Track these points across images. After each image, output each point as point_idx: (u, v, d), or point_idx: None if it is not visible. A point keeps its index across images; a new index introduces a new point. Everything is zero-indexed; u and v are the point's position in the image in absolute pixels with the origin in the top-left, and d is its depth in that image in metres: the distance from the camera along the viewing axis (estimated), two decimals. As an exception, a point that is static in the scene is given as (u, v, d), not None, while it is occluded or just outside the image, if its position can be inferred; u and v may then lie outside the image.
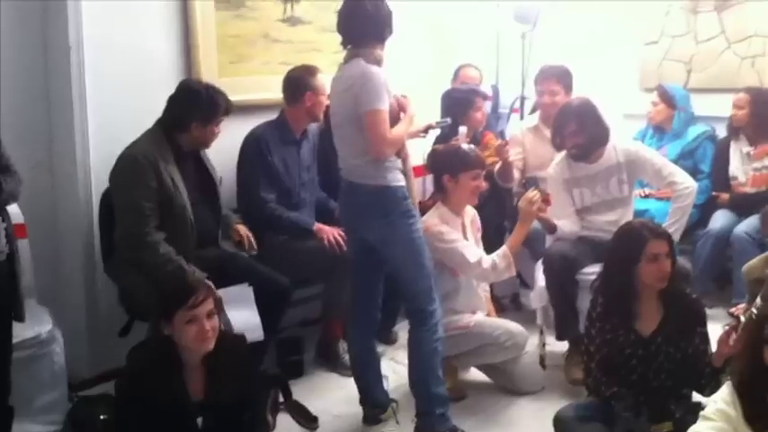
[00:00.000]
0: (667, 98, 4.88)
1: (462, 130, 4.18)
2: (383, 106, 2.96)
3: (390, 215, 3.09)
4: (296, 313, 3.99)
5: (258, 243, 3.67)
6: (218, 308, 2.64)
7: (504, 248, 3.44)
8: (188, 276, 3.05)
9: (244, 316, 3.20)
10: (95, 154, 3.59)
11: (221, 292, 3.02)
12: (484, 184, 3.61)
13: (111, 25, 3.61)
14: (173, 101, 3.39)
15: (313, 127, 4.02)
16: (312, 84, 3.82)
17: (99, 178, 3.54)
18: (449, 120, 4.06)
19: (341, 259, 3.63)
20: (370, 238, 3.19)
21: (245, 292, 3.28)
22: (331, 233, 3.76)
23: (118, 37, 3.64)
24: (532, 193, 3.48)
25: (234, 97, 3.49)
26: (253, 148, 3.84)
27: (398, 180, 3.11)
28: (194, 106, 3.33)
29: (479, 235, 3.67)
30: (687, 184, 3.81)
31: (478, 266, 3.39)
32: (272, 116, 3.97)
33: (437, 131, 4.25)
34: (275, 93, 3.96)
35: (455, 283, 3.50)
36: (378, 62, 3.05)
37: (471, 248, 3.43)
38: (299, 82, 3.83)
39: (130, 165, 3.24)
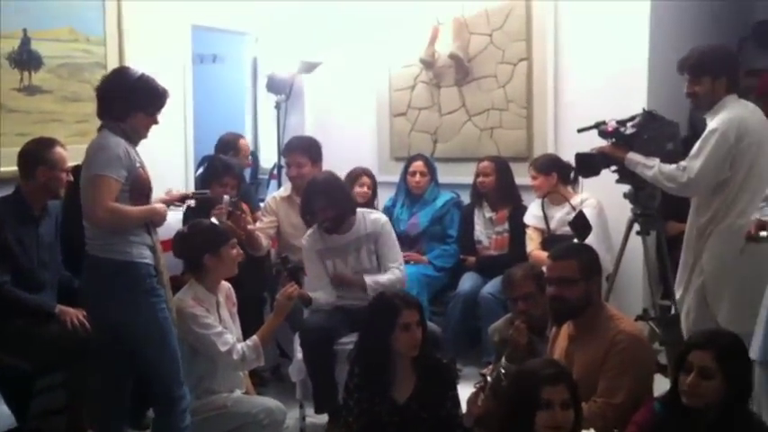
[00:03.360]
0: (431, 169, 5.10)
1: (226, 198, 4.11)
2: (108, 173, 2.90)
3: (133, 293, 2.97)
4: (36, 404, 3.65)
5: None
6: None
7: (255, 339, 3.36)
8: None
9: None
10: None
11: None
12: (241, 252, 3.57)
13: None
14: None
15: (56, 203, 3.77)
16: (46, 157, 3.58)
17: None
18: (208, 192, 3.98)
19: (86, 343, 3.41)
20: (112, 317, 3.04)
21: None
22: (74, 315, 3.53)
23: None
24: (291, 288, 3.48)
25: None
26: (-16, 227, 3.53)
27: (144, 257, 3.01)
28: None
29: (235, 310, 3.57)
30: (399, 274, 3.92)
31: (228, 356, 3.28)
32: (9, 191, 3.69)
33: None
34: (11, 166, 3.70)
35: (212, 365, 3.37)
36: (126, 135, 3.02)
37: (224, 337, 3.29)
38: (31, 156, 3.59)
39: None
